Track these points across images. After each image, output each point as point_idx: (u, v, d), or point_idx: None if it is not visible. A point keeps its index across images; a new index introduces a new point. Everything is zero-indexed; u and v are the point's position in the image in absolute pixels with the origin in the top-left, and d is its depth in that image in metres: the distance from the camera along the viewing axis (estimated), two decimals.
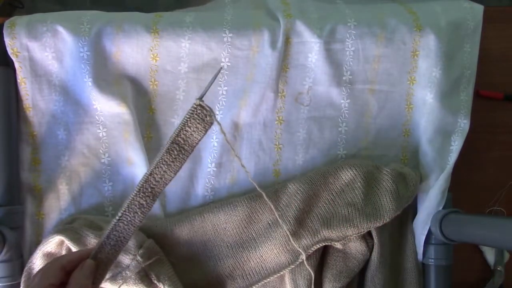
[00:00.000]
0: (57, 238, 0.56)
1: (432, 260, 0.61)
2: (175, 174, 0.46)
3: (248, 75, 0.62)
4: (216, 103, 0.63)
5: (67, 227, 0.58)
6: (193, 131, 0.45)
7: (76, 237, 0.55)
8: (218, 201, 0.62)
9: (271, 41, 0.61)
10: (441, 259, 0.61)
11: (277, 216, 0.57)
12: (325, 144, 0.64)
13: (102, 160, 0.62)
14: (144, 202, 0.46)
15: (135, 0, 1.41)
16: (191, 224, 0.60)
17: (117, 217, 0.46)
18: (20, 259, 0.58)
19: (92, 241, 0.55)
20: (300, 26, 0.61)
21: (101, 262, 0.46)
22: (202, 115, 0.45)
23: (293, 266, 0.59)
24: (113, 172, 0.62)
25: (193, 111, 0.45)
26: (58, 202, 0.61)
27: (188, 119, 0.45)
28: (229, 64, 0.61)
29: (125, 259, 0.56)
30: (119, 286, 0.55)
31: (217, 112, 0.63)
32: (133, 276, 0.55)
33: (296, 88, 0.64)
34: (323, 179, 0.61)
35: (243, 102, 0.62)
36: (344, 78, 0.63)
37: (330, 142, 0.64)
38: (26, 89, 0.60)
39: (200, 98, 0.45)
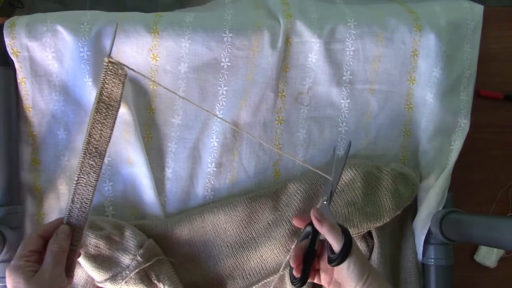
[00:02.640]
0: None
1: (432, 260, 0.61)
2: (111, 130, 0.49)
3: (248, 75, 0.62)
4: (216, 103, 0.63)
5: None
6: (113, 86, 0.48)
7: None
8: (218, 201, 0.62)
9: (271, 41, 0.61)
10: (441, 259, 0.61)
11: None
12: (325, 144, 0.64)
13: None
14: (93, 163, 0.49)
15: (135, 0, 1.41)
16: (191, 224, 0.60)
17: (74, 181, 0.49)
18: None
19: (92, 241, 0.55)
20: (300, 26, 0.61)
21: (75, 226, 0.50)
22: (114, 69, 0.48)
23: None
24: (113, 172, 0.62)
25: (106, 68, 0.48)
26: (58, 202, 0.61)
27: (104, 77, 0.48)
28: (229, 64, 0.61)
29: (125, 259, 0.56)
30: (119, 286, 0.55)
31: (217, 112, 0.63)
32: (133, 276, 0.55)
33: (296, 88, 0.64)
34: (323, 178, 0.61)
35: (243, 102, 0.62)
36: (344, 78, 0.63)
37: (330, 142, 0.64)
38: (26, 89, 0.60)
39: (108, 55, 0.48)
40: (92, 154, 0.49)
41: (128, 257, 0.56)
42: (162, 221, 0.60)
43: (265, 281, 0.60)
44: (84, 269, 0.56)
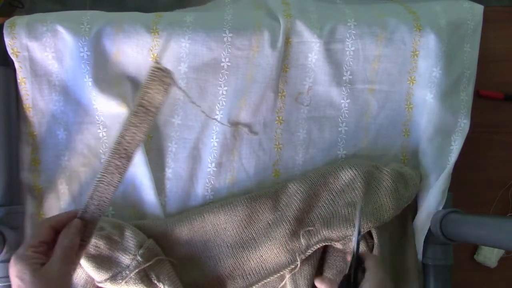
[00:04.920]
0: None
1: (432, 260, 0.61)
2: (144, 135, 0.49)
3: (248, 75, 0.62)
4: (216, 103, 0.63)
5: None
6: (156, 92, 0.47)
7: None
8: (218, 201, 0.62)
9: (271, 41, 0.61)
10: (441, 259, 0.61)
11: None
12: (325, 144, 0.64)
13: (102, 160, 0.62)
14: (119, 163, 0.48)
15: (135, 0, 1.41)
16: (191, 224, 0.60)
17: (97, 179, 0.49)
18: None
19: (92, 241, 0.55)
20: (300, 26, 0.61)
21: (88, 221, 0.49)
22: (160, 76, 0.48)
23: (293, 267, 0.59)
24: None
25: (152, 73, 0.47)
26: (58, 202, 0.61)
27: (149, 82, 0.47)
28: (229, 64, 0.61)
29: (125, 259, 0.56)
30: (119, 286, 0.55)
31: (217, 112, 0.63)
32: (133, 276, 0.55)
33: (296, 88, 0.64)
34: (323, 179, 0.61)
35: (243, 102, 0.62)
36: (344, 78, 0.63)
37: (330, 142, 0.64)
38: (26, 89, 0.60)
39: (156, 61, 0.48)
40: (121, 155, 0.48)
41: (128, 257, 0.56)
42: (162, 221, 0.60)
43: (265, 281, 0.60)
44: (84, 269, 0.56)
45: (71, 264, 0.47)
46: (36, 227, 0.48)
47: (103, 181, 0.49)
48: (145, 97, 0.47)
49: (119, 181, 0.49)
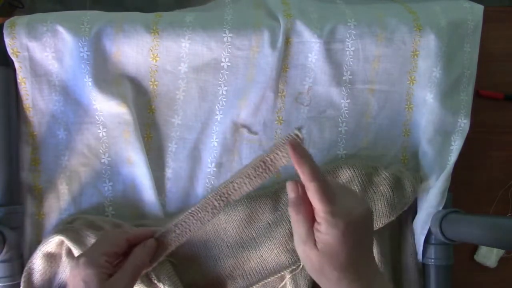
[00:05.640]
0: (57, 238, 0.56)
1: (432, 260, 0.61)
2: (253, 188, 0.48)
3: (248, 75, 0.62)
4: (216, 103, 0.63)
5: (67, 227, 0.58)
6: (283, 156, 0.46)
7: (76, 237, 0.55)
8: None
9: (271, 41, 0.61)
10: (441, 259, 0.61)
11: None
12: (325, 144, 0.64)
13: (102, 160, 0.62)
14: (217, 204, 0.49)
15: (135, 0, 1.42)
16: None
17: (189, 211, 0.49)
18: (20, 259, 0.58)
19: (92, 241, 0.55)
20: (300, 26, 0.61)
21: (162, 245, 0.49)
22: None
23: (294, 267, 0.59)
24: (113, 172, 0.62)
25: (289, 138, 0.46)
26: (58, 202, 0.61)
27: (283, 144, 0.46)
28: (229, 64, 0.61)
29: None
30: None
31: (217, 112, 0.63)
32: None
33: (296, 88, 0.64)
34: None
35: (243, 102, 0.62)
36: (344, 78, 0.63)
37: (330, 142, 0.64)
38: (26, 89, 0.60)
39: (299, 129, 0.46)
40: (222, 198, 0.48)
41: None
42: (162, 221, 0.60)
43: (266, 281, 0.60)
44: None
45: (135, 283, 0.47)
46: (113, 236, 0.48)
47: (195, 215, 0.49)
48: (271, 155, 0.47)
49: (209, 220, 0.49)
